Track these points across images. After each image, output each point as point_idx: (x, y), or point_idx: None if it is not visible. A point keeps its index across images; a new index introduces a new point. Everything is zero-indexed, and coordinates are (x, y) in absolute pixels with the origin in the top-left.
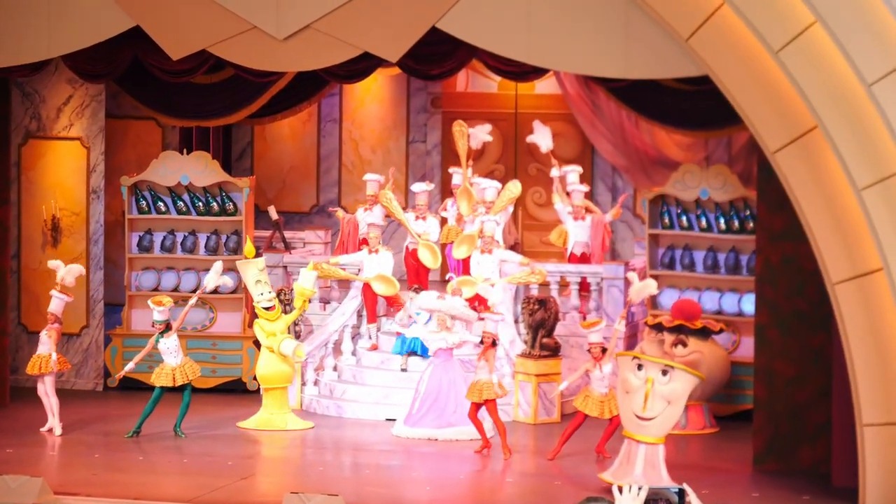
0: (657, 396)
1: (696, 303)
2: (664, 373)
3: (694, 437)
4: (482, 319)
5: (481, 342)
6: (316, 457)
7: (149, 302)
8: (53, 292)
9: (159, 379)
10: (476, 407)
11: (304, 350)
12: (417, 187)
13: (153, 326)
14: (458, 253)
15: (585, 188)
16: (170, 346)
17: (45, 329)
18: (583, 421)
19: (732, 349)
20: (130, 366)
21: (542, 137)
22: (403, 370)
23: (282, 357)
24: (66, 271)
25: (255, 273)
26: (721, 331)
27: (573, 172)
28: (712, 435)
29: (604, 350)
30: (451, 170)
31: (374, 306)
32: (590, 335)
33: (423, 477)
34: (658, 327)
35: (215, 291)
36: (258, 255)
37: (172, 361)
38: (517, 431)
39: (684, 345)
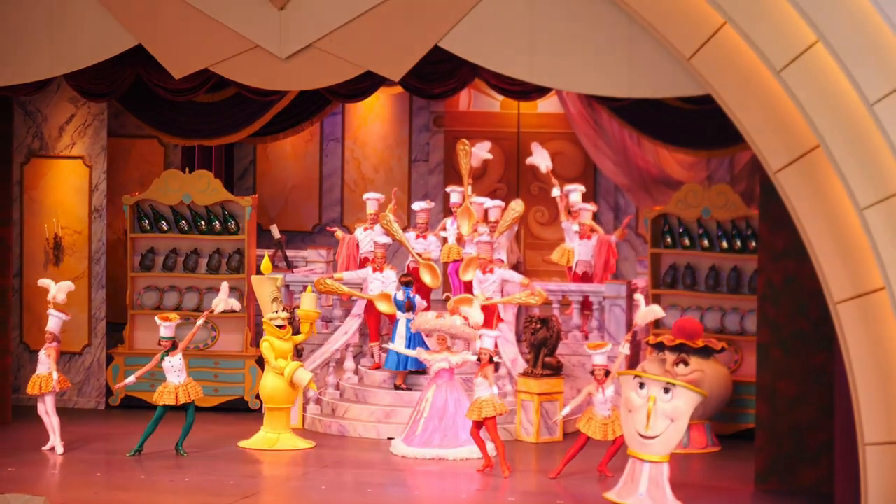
0: (659, 414)
1: (697, 321)
2: (666, 390)
3: (696, 457)
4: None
5: (479, 360)
6: (318, 476)
7: (156, 318)
8: (50, 311)
9: (162, 398)
10: (477, 425)
11: (315, 383)
12: (418, 206)
13: (159, 344)
14: (466, 275)
15: (593, 207)
16: (174, 365)
17: (44, 348)
18: (586, 442)
19: (735, 368)
20: (131, 379)
21: (540, 158)
22: (399, 387)
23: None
24: (57, 289)
25: (273, 290)
26: (723, 349)
27: (576, 192)
28: (714, 454)
29: (607, 373)
30: (448, 189)
31: (376, 325)
32: (594, 357)
33: (425, 496)
34: (660, 346)
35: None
36: (259, 272)
37: (175, 380)
38: (519, 450)
39: (686, 363)
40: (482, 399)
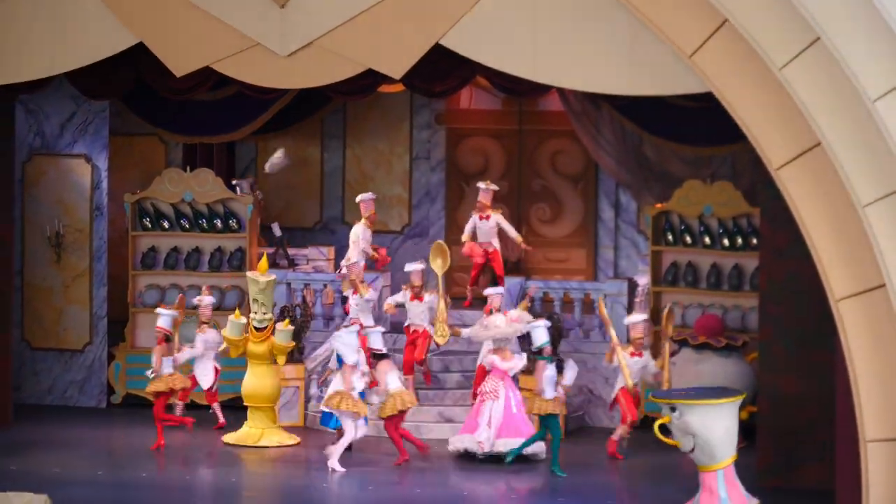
0: (678, 430)
1: (718, 318)
2: (672, 409)
3: None
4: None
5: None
6: (319, 474)
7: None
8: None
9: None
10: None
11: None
12: (411, 266)
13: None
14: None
15: (493, 186)
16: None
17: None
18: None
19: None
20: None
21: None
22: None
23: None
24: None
25: (255, 291)
26: (726, 346)
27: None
28: None
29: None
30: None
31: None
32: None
33: (427, 494)
34: (684, 343)
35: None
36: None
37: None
38: None
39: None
40: (392, 392)
